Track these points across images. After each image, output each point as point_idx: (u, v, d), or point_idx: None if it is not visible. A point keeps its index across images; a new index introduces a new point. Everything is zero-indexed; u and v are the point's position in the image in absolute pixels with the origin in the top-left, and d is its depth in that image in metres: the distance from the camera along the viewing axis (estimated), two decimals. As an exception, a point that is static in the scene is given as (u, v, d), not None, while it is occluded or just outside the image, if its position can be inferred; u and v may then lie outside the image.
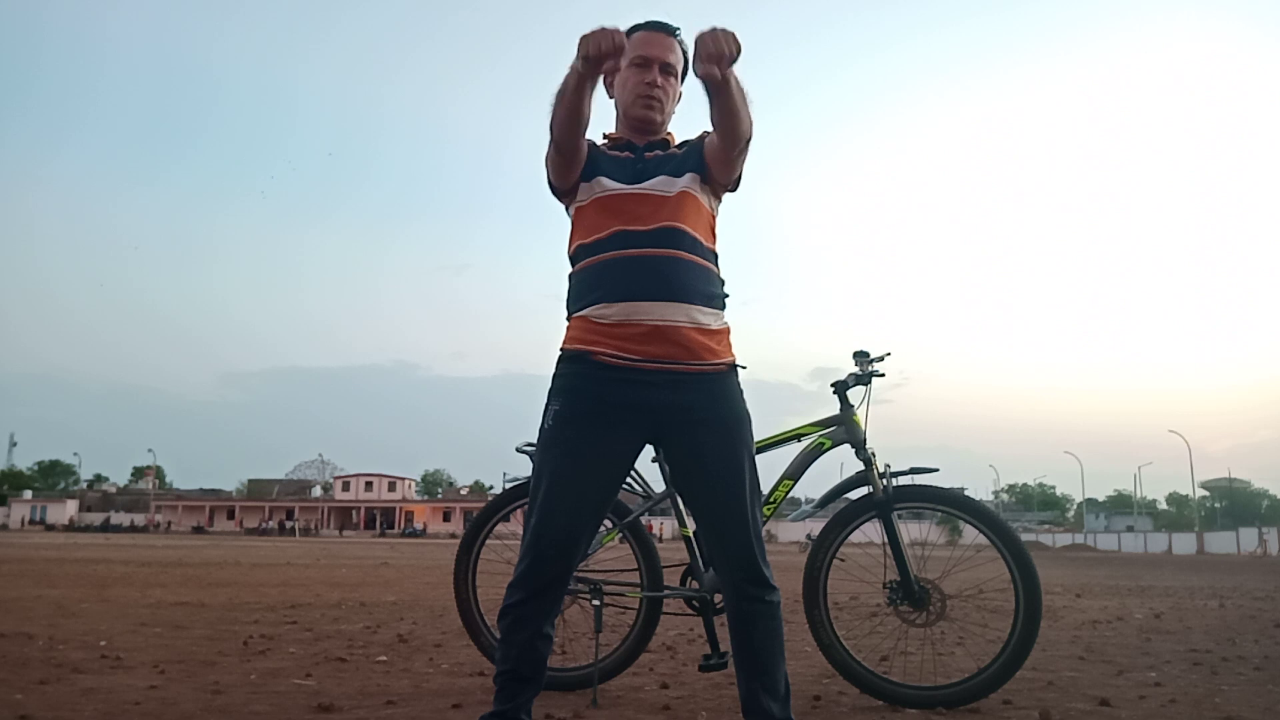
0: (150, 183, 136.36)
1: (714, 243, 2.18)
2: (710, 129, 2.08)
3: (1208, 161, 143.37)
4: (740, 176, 2.17)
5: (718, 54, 1.83)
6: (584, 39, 1.89)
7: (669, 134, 2.26)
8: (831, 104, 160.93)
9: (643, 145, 2.19)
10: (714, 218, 2.20)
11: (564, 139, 2.06)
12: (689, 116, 2.22)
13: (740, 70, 1.93)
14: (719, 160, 2.10)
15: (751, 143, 2.08)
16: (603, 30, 1.88)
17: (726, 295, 2.17)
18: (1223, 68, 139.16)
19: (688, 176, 2.12)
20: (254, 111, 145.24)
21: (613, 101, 2.26)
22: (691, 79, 1.99)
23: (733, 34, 1.84)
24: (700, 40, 1.85)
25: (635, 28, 2.20)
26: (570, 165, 2.12)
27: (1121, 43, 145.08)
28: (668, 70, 2.19)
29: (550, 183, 2.19)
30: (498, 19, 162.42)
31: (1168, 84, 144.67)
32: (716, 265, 2.16)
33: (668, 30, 2.20)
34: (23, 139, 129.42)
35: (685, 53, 2.21)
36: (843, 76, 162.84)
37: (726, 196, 2.23)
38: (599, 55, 1.88)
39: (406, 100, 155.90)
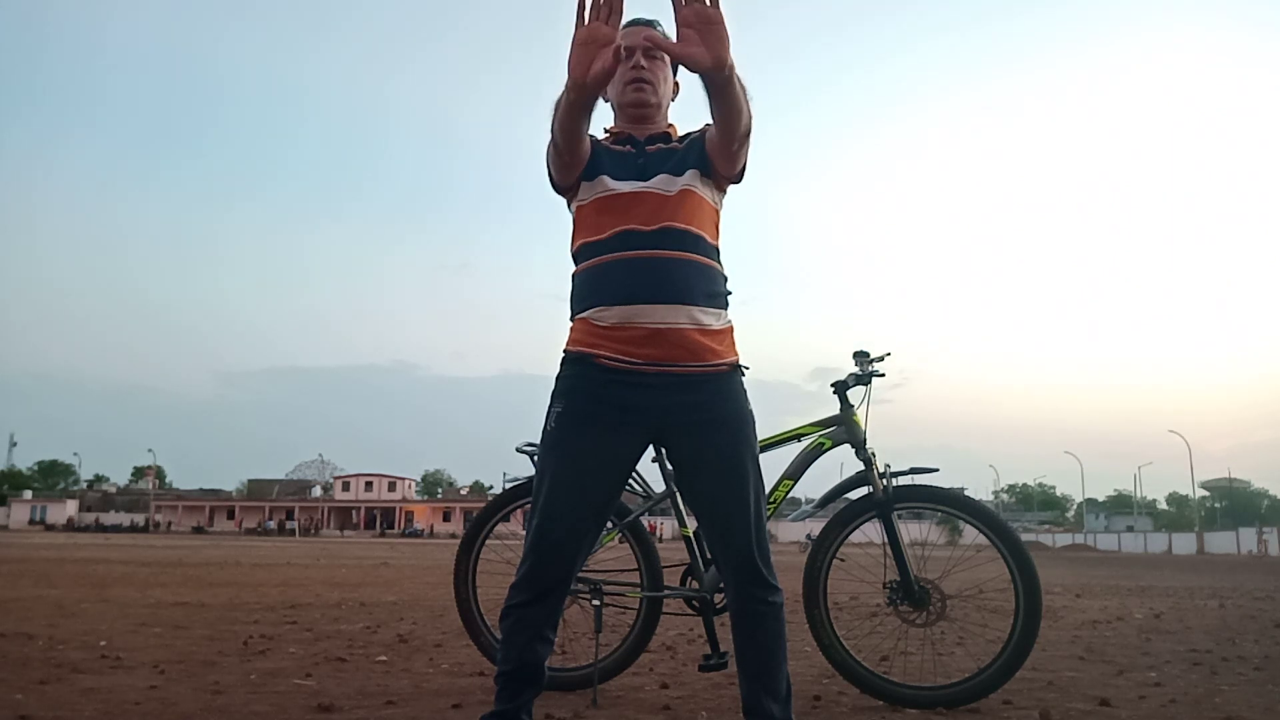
0: (151, 182, 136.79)
1: (718, 238, 2.15)
2: (710, 121, 2.05)
3: (1207, 161, 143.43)
4: (744, 168, 2.13)
5: (705, 21, 1.76)
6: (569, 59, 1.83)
7: (670, 125, 2.23)
8: (835, 105, 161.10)
9: (644, 139, 2.16)
10: (718, 213, 2.17)
11: (565, 146, 2.04)
12: (690, 113, 2.21)
13: (748, 73, 1.90)
14: (720, 154, 2.07)
15: (751, 135, 2.05)
16: (582, 45, 1.83)
17: (730, 292, 2.14)
18: (1222, 68, 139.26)
19: (690, 173, 2.09)
20: (257, 109, 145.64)
21: (609, 105, 2.23)
22: (693, 80, 1.94)
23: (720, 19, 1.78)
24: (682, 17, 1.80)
25: None
26: (572, 166, 2.10)
27: (1122, 44, 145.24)
28: (652, 54, 2.15)
29: (551, 179, 2.16)
30: (502, 17, 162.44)
31: (1168, 84, 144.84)
32: (720, 262, 2.13)
33: (644, 23, 2.17)
34: (24, 138, 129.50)
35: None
36: (848, 79, 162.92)
37: (729, 191, 2.21)
38: (584, 75, 1.83)
39: (408, 99, 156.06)
